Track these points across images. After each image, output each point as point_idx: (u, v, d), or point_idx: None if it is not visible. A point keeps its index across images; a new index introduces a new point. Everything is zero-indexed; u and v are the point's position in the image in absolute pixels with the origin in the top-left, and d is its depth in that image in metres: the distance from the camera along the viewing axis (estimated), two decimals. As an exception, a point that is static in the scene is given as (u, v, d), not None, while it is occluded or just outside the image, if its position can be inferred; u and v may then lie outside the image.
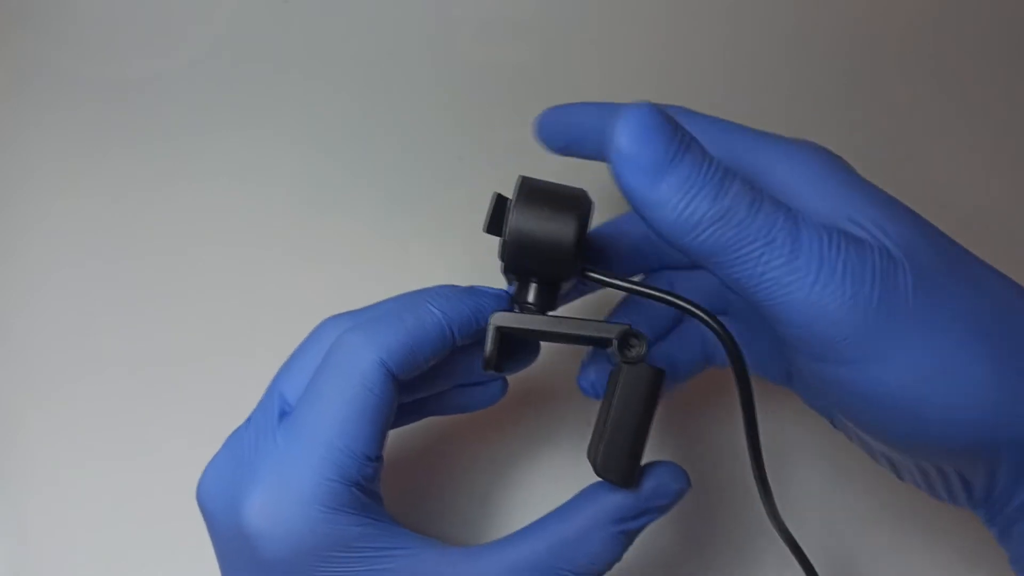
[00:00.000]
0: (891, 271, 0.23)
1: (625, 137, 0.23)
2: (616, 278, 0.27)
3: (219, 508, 0.27)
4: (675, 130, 0.23)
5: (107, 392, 0.41)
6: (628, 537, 0.27)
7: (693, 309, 0.26)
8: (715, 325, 0.26)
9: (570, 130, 0.30)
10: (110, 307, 0.43)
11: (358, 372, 0.26)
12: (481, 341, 0.28)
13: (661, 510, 0.27)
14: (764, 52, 0.51)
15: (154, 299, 0.43)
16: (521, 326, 0.28)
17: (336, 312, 0.34)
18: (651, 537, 0.37)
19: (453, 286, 0.30)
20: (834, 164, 0.27)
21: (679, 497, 0.27)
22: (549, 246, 0.26)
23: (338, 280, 0.44)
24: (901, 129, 0.49)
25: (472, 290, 0.30)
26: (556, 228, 0.26)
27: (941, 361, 0.22)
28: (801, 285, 0.22)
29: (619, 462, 0.26)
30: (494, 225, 0.28)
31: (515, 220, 0.27)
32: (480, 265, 0.34)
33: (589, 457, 0.27)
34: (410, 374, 0.28)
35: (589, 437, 0.28)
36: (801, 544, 0.30)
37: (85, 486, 0.39)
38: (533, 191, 0.27)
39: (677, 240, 0.23)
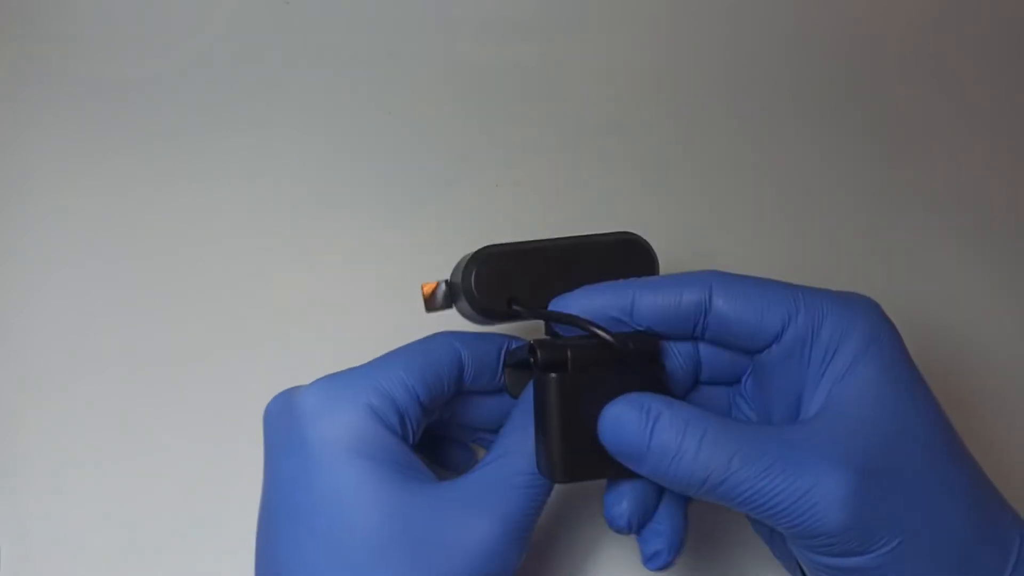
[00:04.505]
0: (866, 490, 0.26)
1: (606, 439, 0.27)
2: (535, 310, 0.30)
3: (279, 405, 0.30)
4: (643, 419, 0.27)
5: (107, 392, 0.41)
6: None
7: (597, 331, 0.28)
8: (615, 343, 0.28)
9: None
10: (110, 307, 0.43)
11: (440, 344, 0.31)
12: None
13: None
14: (764, 52, 0.51)
15: (154, 299, 0.43)
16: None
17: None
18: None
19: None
20: (874, 331, 0.29)
21: None
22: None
23: (339, 280, 0.44)
24: (901, 129, 0.49)
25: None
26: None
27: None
28: (795, 507, 0.26)
29: (548, 460, 0.28)
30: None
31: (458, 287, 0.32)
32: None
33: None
34: (475, 378, 0.32)
35: None
36: None
37: (85, 486, 0.39)
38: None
39: (683, 492, 0.27)
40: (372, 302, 0.42)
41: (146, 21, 0.51)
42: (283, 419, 0.29)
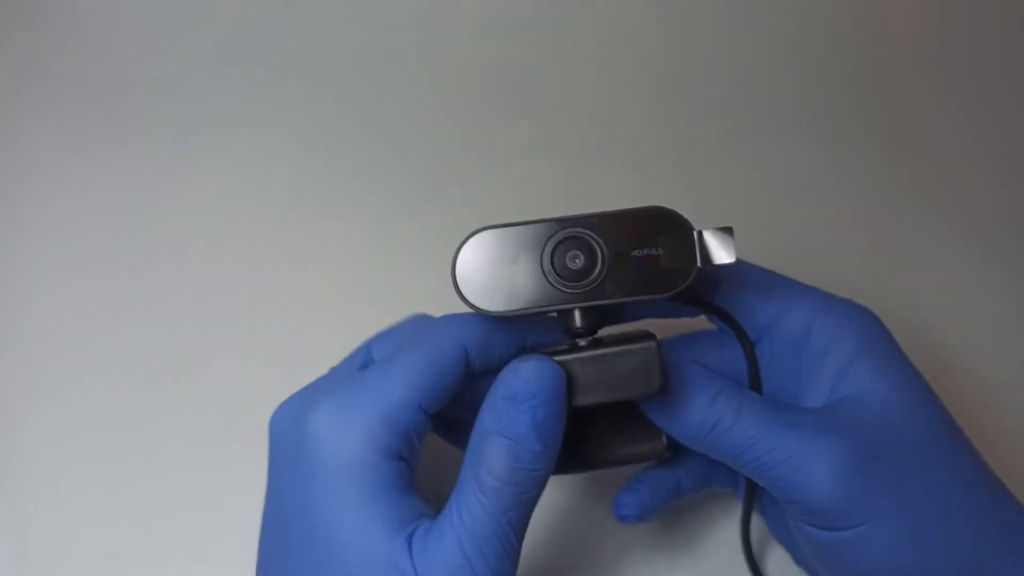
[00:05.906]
0: (870, 461, 0.27)
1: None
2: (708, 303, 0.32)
3: (287, 422, 0.29)
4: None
5: (107, 392, 0.41)
6: None
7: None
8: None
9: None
10: (109, 307, 0.43)
11: (446, 343, 0.29)
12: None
13: None
14: (764, 52, 0.51)
15: (153, 299, 0.43)
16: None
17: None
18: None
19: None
20: (868, 333, 0.30)
21: None
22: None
23: (338, 280, 0.44)
24: (901, 129, 0.49)
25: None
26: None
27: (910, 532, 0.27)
28: (792, 475, 0.27)
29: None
30: None
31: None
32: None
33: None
34: (482, 365, 0.30)
35: None
36: None
37: (85, 486, 0.39)
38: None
39: (692, 441, 0.29)
40: (370, 303, 0.42)
41: (146, 21, 0.51)
42: (290, 439, 0.29)
